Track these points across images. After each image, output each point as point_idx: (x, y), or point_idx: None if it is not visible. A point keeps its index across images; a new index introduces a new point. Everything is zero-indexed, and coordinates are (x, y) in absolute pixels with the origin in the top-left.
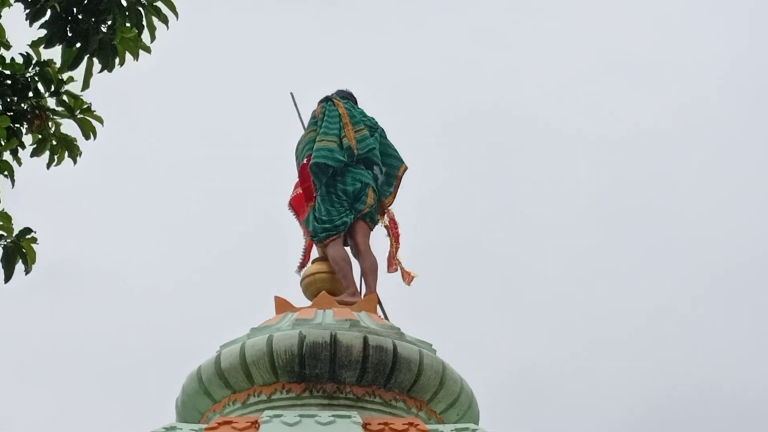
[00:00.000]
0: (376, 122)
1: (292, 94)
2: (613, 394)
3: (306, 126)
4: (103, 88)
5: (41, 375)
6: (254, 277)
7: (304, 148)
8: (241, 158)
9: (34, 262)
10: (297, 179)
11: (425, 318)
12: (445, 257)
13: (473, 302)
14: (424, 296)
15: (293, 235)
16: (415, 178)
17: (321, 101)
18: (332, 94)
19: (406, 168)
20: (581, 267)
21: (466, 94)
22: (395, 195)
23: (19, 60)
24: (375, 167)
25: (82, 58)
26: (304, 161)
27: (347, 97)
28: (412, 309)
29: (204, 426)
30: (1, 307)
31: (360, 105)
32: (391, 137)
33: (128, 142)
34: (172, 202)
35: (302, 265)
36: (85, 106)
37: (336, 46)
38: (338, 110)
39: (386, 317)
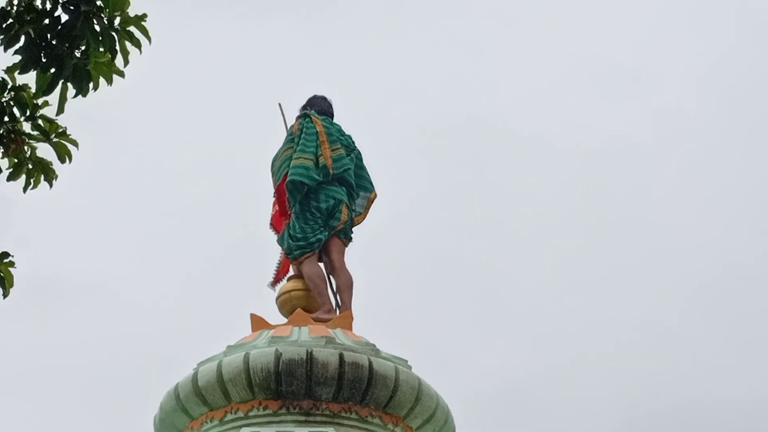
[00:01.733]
0: (353, 142)
1: (280, 104)
2: (596, 405)
3: (283, 141)
4: (88, 107)
5: (24, 389)
6: (230, 294)
7: (282, 166)
8: (222, 173)
9: (11, 285)
10: (274, 197)
11: (403, 330)
12: (424, 268)
13: (453, 314)
14: (404, 308)
15: (270, 251)
16: (394, 189)
17: (299, 116)
18: (310, 111)
19: (376, 195)
20: (561, 278)
21: (445, 104)
22: (365, 217)
23: None
24: (349, 187)
25: (57, 83)
26: (280, 180)
27: (325, 112)
28: (390, 321)
29: None
30: None
31: (341, 114)
32: (372, 147)
33: (110, 160)
34: (152, 218)
35: (275, 281)
36: (60, 130)
37: (319, 57)
38: (316, 128)
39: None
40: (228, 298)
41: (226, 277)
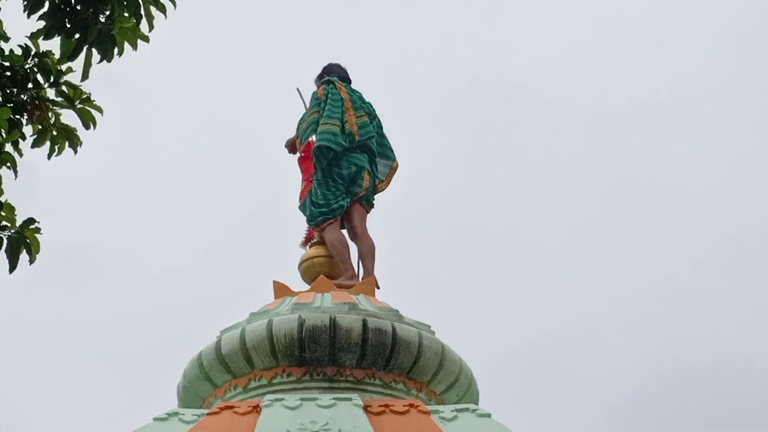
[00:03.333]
0: (374, 110)
1: (298, 89)
2: (620, 364)
3: (307, 105)
4: (112, 72)
5: (49, 357)
6: (253, 261)
7: (308, 129)
8: (245, 139)
9: (38, 251)
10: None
11: (426, 295)
12: (445, 231)
13: (475, 276)
14: (426, 272)
15: (292, 218)
16: (413, 152)
17: (323, 82)
18: (333, 77)
19: (398, 165)
20: (580, 236)
21: (464, 64)
22: (388, 184)
23: (18, 51)
24: (371, 154)
25: (81, 49)
26: (304, 145)
27: (344, 79)
28: (413, 286)
29: (206, 411)
30: (11, 292)
31: (358, 78)
32: (391, 108)
33: (135, 126)
34: (176, 185)
35: (306, 241)
36: (84, 96)
37: (335, 18)
38: (340, 94)
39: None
40: (251, 266)
41: (249, 244)
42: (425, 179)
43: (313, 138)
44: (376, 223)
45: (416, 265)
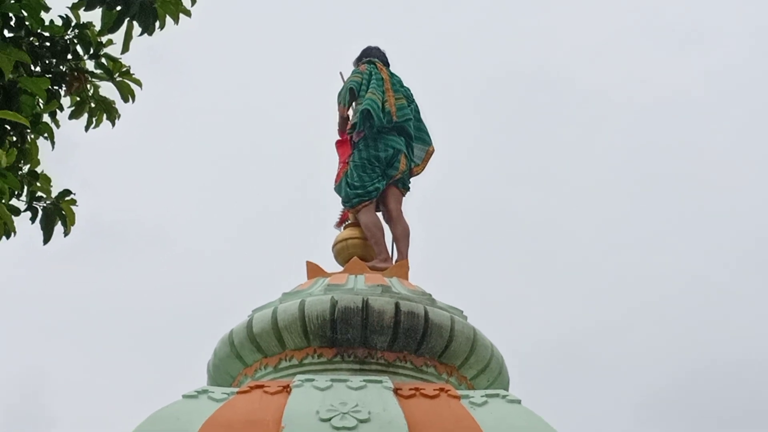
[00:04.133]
0: (412, 94)
1: (341, 73)
2: (650, 360)
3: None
4: (148, 48)
5: (80, 332)
6: (286, 242)
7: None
8: (283, 118)
9: (73, 223)
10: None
11: (458, 282)
12: (479, 220)
13: (506, 266)
14: (459, 259)
15: (327, 199)
16: (450, 139)
17: (365, 61)
18: (374, 59)
19: (434, 149)
20: (614, 231)
21: (504, 54)
22: (424, 168)
23: (59, 22)
24: (408, 138)
25: (122, 21)
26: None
27: (384, 63)
28: (445, 272)
29: (236, 389)
30: (45, 265)
31: (398, 62)
32: (429, 97)
33: (173, 100)
34: (212, 162)
35: (341, 222)
36: (123, 69)
37: (377, 2)
38: (382, 75)
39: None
40: (284, 246)
41: (283, 224)
42: (460, 167)
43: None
44: (411, 208)
45: (448, 253)
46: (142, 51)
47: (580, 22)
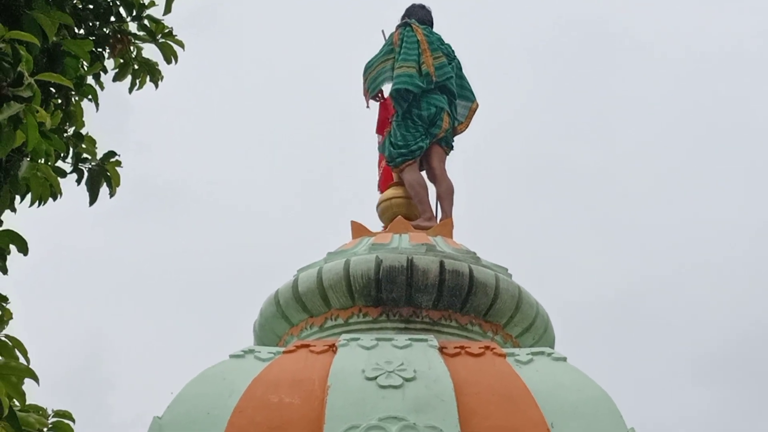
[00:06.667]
0: (453, 51)
1: (383, 31)
2: (707, 316)
3: (381, 50)
4: (206, 9)
5: (135, 291)
6: (331, 202)
7: (378, 77)
8: (328, 83)
9: (118, 185)
10: (367, 105)
11: (508, 239)
12: (530, 176)
13: (558, 221)
14: (510, 217)
15: (370, 161)
16: (501, 94)
17: (399, 26)
18: (410, 20)
19: (477, 105)
20: (669, 186)
21: (555, 7)
22: (468, 125)
23: None
24: (451, 96)
25: None
26: (375, 92)
27: (424, 20)
28: (497, 231)
29: (282, 349)
30: (99, 226)
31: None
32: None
33: (218, 62)
34: (258, 125)
35: (383, 186)
36: (166, 31)
37: None
38: (417, 36)
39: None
40: (329, 207)
41: (330, 184)
42: (513, 121)
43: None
44: (455, 165)
45: (501, 210)
46: (197, 12)
47: None
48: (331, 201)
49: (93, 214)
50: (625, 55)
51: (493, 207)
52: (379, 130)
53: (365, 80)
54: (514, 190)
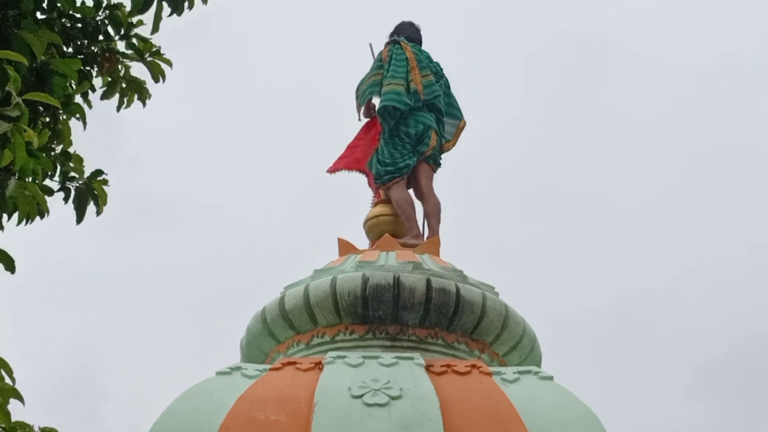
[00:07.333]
0: (441, 69)
1: (370, 45)
2: (705, 325)
3: (371, 67)
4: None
5: (130, 304)
6: (317, 219)
7: (366, 91)
8: (318, 98)
9: (105, 203)
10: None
11: (500, 252)
12: (523, 187)
13: (551, 233)
14: (502, 229)
15: (357, 177)
16: (494, 105)
17: (388, 43)
18: (399, 37)
19: (465, 123)
20: (664, 197)
21: (549, 17)
22: (455, 143)
23: (90, 3)
24: (438, 114)
25: (152, 2)
26: (364, 105)
27: (413, 38)
28: (486, 242)
29: (269, 366)
30: (93, 238)
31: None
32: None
33: (208, 79)
34: (251, 138)
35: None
36: (154, 50)
37: None
38: (405, 54)
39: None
40: (314, 224)
41: (315, 202)
42: (502, 135)
43: (375, 100)
44: (443, 183)
45: (494, 220)
46: (191, 26)
47: None
48: (322, 214)
49: (85, 227)
50: (618, 67)
51: (487, 218)
52: (334, 166)
53: (356, 96)
54: (507, 201)
